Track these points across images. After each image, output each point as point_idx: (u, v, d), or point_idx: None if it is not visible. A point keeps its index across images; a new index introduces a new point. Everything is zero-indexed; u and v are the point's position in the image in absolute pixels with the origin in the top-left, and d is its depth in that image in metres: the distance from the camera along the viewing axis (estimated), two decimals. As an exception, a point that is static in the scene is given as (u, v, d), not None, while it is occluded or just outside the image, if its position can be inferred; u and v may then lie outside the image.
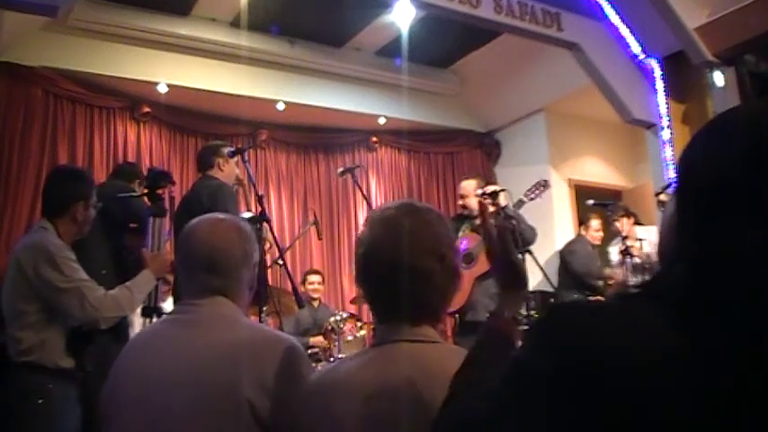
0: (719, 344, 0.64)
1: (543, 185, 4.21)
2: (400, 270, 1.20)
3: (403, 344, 1.20)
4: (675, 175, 0.76)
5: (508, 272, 1.11)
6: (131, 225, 3.11)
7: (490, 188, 4.11)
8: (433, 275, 1.21)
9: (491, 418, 0.74)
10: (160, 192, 2.98)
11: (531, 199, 4.16)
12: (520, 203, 4.10)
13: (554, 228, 6.54)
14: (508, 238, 1.09)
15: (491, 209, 4.01)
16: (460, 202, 4.19)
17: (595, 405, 0.64)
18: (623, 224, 5.22)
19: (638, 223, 5.42)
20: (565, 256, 5.59)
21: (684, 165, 0.75)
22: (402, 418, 1.14)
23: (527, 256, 4.00)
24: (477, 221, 4.10)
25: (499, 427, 0.73)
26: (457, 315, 4.06)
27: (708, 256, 0.69)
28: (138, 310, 2.83)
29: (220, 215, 1.63)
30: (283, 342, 1.50)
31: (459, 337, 4.02)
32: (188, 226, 1.58)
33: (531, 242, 4.04)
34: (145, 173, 3.23)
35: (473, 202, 4.08)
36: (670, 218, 0.75)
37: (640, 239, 5.31)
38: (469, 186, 4.19)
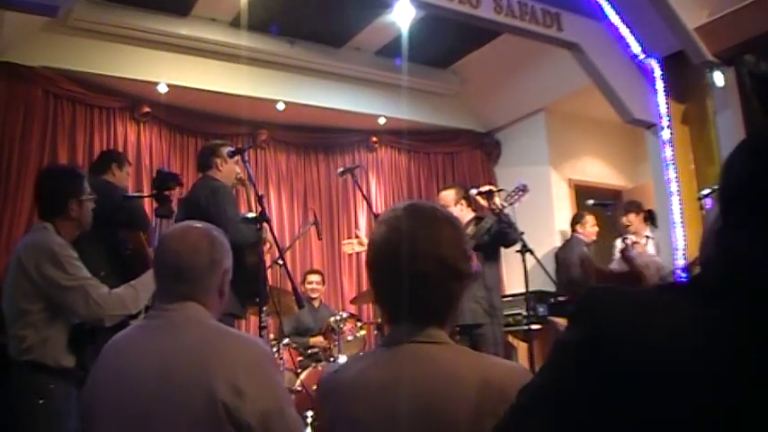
0: (739, 336, 0.67)
1: (522, 190, 4.24)
2: (400, 275, 1.21)
3: (411, 345, 1.22)
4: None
5: None
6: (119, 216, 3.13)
7: (485, 188, 4.14)
8: (432, 279, 1.21)
9: (534, 393, 0.79)
10: (168, 193, 2.97)
11: (511, 204, 4.18)
12: (501, 209, 4.13)
13: (554, 228, 6.54)
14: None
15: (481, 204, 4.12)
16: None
17: (617, 377, 0.68)
18: (630, 219, 5.21)
19: (650, 220, 5.39)
20: (559, 260, 5.59)
21: (720, 172, 0.80)
22: (416, 417, 1.15)
23: (527, 256, 4.02)
24: (486, 224, 4.15)
25: (539, 400, 0.77)
26: None
27: (726, 253, 0.74)
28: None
29: (195, 223, 1.69)
30: (251, 343, 1.57)
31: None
32: (162, 234, 1.70)
33: (515, 243, 4.10)
34: (153, 175, 3.22)
35: (454, 212, 4.17)
36: (712, 222, 0.80)
37: (647, 236, 5.29)
38: (448, 197, 4.30)
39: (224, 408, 1.41)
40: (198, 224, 1.68)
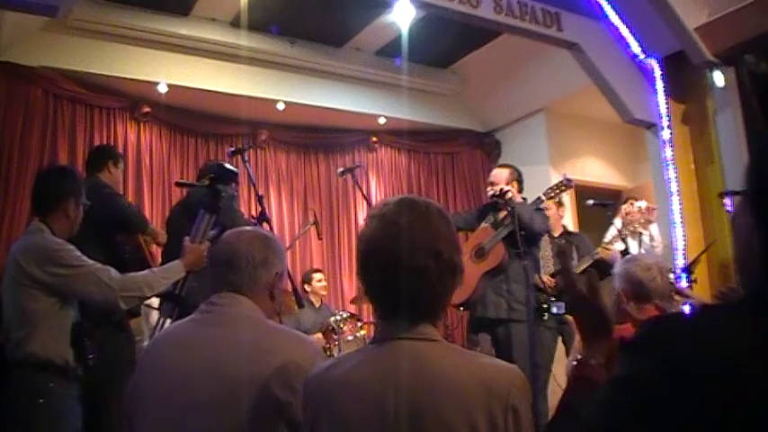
0: None
1: (566, 184, 4.08)
2: (396, 269, 1.20)
3: (402, 342, 1.21)
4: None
5: (596, 319, 1.10)
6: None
7: (498, 188, 4.00)
8: (428, 274, 1.20)
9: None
10: (221, 188, 2.96)
11: (551, 197, 4.10)
12: (538, 201, 4.06)
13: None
14: (596, 284, 1.09)
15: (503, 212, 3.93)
16: (490, 191, 4.00)
17: (688, 402, 0.65)
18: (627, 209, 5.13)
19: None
20: None
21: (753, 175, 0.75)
22: (402, 415, 1.14)
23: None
24: (501, 215, 4.03)
25: None
26: (464, 309, 4.04)
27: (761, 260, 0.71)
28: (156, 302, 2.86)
29: (247, 228, 1.81)
30: (304, 340, 1.63)
31: (473, 334, 4.00)
32: (220, 238, 1.76)
33: (543, 231, 3.97)
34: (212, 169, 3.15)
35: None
36: (747, 233, 0.75)
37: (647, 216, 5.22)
38: (502, 175, 4.05)
39: (276, 403, 1.44)
40: (254, 228, 1.80)
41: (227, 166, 2.94)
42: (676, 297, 3.14)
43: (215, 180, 2.93)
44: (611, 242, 4.80)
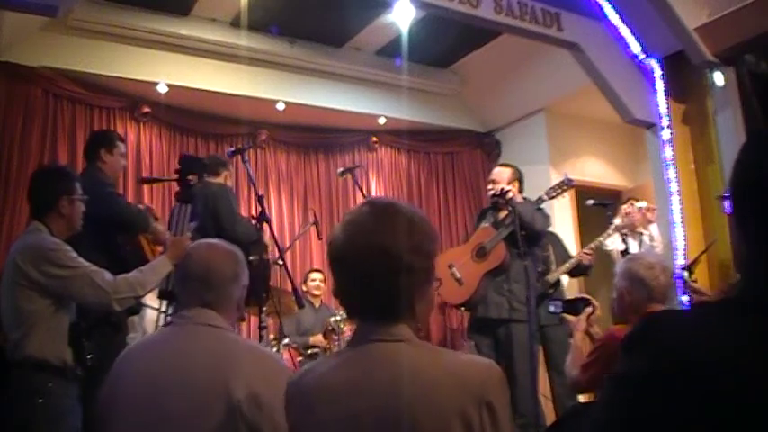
0: None
1: (567, 183, 4.10)
2: (346, 271, 1.22)
3: (375, 344, 1.20)
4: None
5: None
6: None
7: (498, 187, 4.02)
8: (372, 272, 1.19)
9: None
10: (190, 178, 3.00)
11: (552, 197, 4.11)
12: (539, 201, 4.06)
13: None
14: None
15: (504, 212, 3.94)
16: (491, 190, 4.04)
17: (686, 401, 0.66)
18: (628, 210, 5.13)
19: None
20: None
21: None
22: (378, 417, 1.14)
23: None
24: (501, 214, 4.04)
25: None
26: (465, 309, 4.04)
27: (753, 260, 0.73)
28: (153, 302, 2.87)
29: (218, 241, 1.86)
30: (270, 355, 1.73)
31: (473, 333, 4.00)
32: (190, 247, 1.84)
33: (544, 228, 3.96)
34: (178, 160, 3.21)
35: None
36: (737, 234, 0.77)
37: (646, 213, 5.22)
38: (503, 174, 4.11)
39: (240, 409, 1.47)
40: (221, 242, 1.84)
41: (191, 156, 3.00)
42: (693, 295, 3.13)
43: (181, 172, 2.96)
44: (596, 246, 4.84)
